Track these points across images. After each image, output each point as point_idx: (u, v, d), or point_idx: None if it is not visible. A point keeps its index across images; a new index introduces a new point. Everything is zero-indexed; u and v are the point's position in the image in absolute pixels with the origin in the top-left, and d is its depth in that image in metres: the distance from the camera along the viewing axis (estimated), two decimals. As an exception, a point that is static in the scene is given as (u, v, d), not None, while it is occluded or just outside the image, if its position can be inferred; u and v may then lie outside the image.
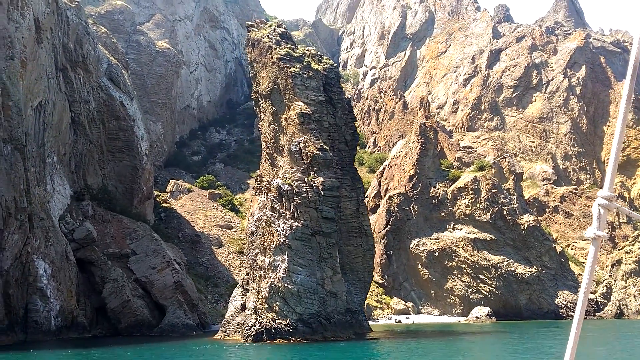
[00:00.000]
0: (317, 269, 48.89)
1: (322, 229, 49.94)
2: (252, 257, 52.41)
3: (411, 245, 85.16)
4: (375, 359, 39.97)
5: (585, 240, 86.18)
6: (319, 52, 61.98)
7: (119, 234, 70.02)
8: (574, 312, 78.90)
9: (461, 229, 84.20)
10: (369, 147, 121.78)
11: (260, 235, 51.56)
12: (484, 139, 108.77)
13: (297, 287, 47.50)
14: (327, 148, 51.65)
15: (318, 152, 50.41)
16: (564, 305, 79.09)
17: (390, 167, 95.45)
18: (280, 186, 50.84)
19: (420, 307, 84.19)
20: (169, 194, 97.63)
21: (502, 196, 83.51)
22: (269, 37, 57.49)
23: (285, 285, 47.34)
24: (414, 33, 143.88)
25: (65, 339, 53.82)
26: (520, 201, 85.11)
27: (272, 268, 48.10)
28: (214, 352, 45.46)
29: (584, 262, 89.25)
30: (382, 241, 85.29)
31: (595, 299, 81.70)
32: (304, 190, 49.89)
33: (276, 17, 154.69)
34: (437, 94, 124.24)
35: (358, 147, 66.52)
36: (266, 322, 47.28)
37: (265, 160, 57.16)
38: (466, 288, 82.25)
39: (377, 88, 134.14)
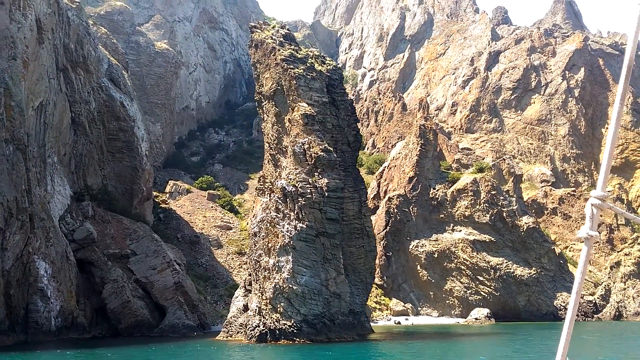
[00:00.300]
0: (321, 270, 48.95)
1: (327, 230, 50.01)
2: (255, 258, 52.40)
3: (410, 247, 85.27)
4: (387, 359, 40.02)
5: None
6: (322, 54, 62.03)
7: (119, 234, 69.92)
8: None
9: (460, 231, 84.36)
10: (367, 148, 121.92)
11: (263, 236, 51.56)
12: (482, 141, 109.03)
13: (302, 288, 47.53)
14: (331, 149, 51.74)
15: (322, 153, 50.48)
16: (562, 307, 79.27)
17: (390, 168, 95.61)
18: (284, 187, 50.88)
19: (419, 309, 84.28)
20: (167, 195, 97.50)
21: (502, 198, 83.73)
22: (272, 39, 57.55)
23: (290, 286, 47.36)
24: (412, 35, 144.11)
25: (65, 340, 53.71)
26: (520, 203, 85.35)
27: (277, 269, 48.11)
28: (221, 352, 45.42)
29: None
30: (381, 242, 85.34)
31: (594, 301, 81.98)
32: (309, 191, 49.93)
33: (274, 18, 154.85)
34: (436, 95, 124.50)
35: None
36: (270, 323, 47.28)
37: (268, 161, 57.18)
38: (465, 289, 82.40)
39: (375, 90, 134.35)
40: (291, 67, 54.11)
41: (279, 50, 55.75)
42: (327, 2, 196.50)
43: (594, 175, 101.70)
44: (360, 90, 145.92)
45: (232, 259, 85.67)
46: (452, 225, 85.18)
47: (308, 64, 55.34)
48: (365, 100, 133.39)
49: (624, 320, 78.15)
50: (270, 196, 52.74)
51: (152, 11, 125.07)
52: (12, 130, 52.19)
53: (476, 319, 77.22)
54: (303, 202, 49.52)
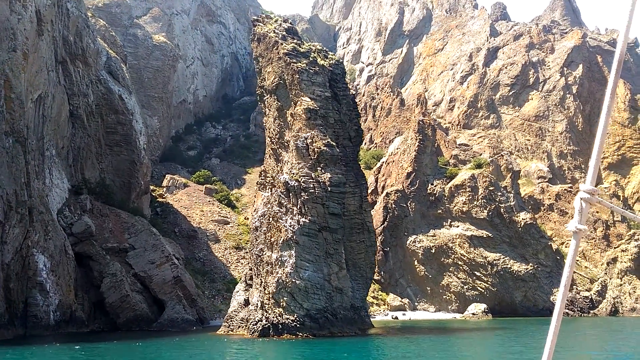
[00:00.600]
0: (323, 264, 48.97)
1: (329, 225, 50.02)
2: (257, 253, 52.35)
3: (408, 242, 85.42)
4: (391, 352, 40.11)
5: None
6: (324, 48, 61.85)
7: (117, 228, 69.65)
8: (568, 309, 79.65)
9: (458, 226, 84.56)
10: (365, 143, 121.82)
11: (265, 230, 51.50)
12: (480, 137, 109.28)
13: (305, 283, 47.54)
14: (334, 144, 51.70)
15: (325, 147, 50.43)
16: (559, 303, 79.65)
17: (388, 164, 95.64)
18: (287, 182, 50.79)
19: (416, 304, 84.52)
20: (164, 189, 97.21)
21: (499, 194, 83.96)
22: (275, 32, 57.30)
23: (293, 280, 47.37)
24: (411, 30, 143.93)
25: (64, 334, 53.58)
26: (517, 199, 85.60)
27: (280, 263, 48.08)
28: (226, 345, 45.38)
29: (578, 260, 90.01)
30: (379, 238, 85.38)
31: (590, 297, 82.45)
32: (311, 186, 49.87)
33: (272, 12, 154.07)
34: (434, 91, 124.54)
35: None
36: (273, 317, 47.27)
37: (269, 156, 57.04)
38: (462, 285, 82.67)
39: (373, 85, 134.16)
40: (294, 61, 53.92)
41: (282, 44, 55.53)
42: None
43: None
44: (358, 85, 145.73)
45: (230, 253, 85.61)
46: (449, 220, 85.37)
47: (311, 58, 55.17)
48: (363, 95, 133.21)
49: (620, 316, 78.66)
50: (272, 191, 52.65)
51: (149, 4, 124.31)
52: (12, 122, 51.86)
53: (473, 314, 77.50)
54: (306, 197, 49.48)
